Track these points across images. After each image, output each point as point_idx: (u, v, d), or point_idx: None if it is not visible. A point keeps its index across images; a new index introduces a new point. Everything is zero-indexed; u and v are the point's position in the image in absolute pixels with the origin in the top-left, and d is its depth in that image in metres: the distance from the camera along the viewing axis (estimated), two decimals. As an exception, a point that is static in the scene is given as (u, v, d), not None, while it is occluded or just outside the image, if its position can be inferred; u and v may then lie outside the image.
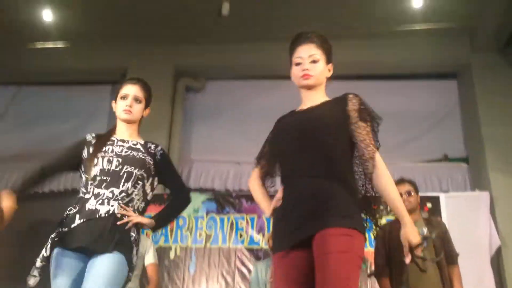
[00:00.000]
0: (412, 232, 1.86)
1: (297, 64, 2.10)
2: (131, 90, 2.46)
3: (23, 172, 2.42)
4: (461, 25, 5.45)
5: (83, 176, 2.34)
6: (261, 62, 5.96)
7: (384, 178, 1.91)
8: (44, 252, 2.18)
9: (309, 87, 2.09)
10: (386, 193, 1.91)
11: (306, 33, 2.13)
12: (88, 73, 6.29)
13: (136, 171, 2.32)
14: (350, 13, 5.35)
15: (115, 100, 2.49)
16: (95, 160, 2.31)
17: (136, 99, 2.45)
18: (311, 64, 2.07)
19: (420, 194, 3.46)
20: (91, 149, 2.38)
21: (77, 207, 2.23)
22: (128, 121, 2.46)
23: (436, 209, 4.81)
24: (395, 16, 5.36)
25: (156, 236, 4.93)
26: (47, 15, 5.41)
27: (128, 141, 2.43)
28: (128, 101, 2.43)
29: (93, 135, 2.46)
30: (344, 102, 2.00)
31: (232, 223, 5.04)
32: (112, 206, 2.22)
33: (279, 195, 2.00)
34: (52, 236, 2.20)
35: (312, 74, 2.06)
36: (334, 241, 1.72)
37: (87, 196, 2.25)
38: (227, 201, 5.17)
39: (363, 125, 1.95)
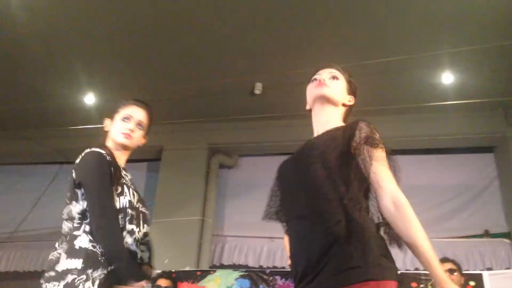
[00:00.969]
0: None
1: (314, 80, 1.84)
2: (136, 113, 2.14)
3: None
4: (494, 99, 5.43)
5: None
6: (292, 137, 6.01)
7: (400, 214, 1.45)
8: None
9: (322, 101, 1.78)
10: (405, 236, 1.44)
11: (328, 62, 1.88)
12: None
13: (147, 213, 2.05)
14: (385, 91, 5.41)
15: (111, 118, 2.16)
16: (119, 188, 1.93)
17: (139, 125, 2.14)
18: (330, 80, 1.80)
19: (463, 271, 3.34)
20: (112, 170, 1.95)
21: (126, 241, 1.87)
22: (124, 147, 2.11)
23: (480, 288, 4.57)
24: (427, 91, 5.39)
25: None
26: (89, 99, 5.72)
27: (127, 172, 2.09)
28: (130, 125, 2.11)
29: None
30: (351, 130, 1.62)
31: (266, 302, 4.89)
32: (143, 252, 1.93)
33: None
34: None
35: (328, 85, 1.78)
36: None
37: (123, 232, 1.87)
38: (261, 278, 5.03)
39: (368, 148, 1.55)
